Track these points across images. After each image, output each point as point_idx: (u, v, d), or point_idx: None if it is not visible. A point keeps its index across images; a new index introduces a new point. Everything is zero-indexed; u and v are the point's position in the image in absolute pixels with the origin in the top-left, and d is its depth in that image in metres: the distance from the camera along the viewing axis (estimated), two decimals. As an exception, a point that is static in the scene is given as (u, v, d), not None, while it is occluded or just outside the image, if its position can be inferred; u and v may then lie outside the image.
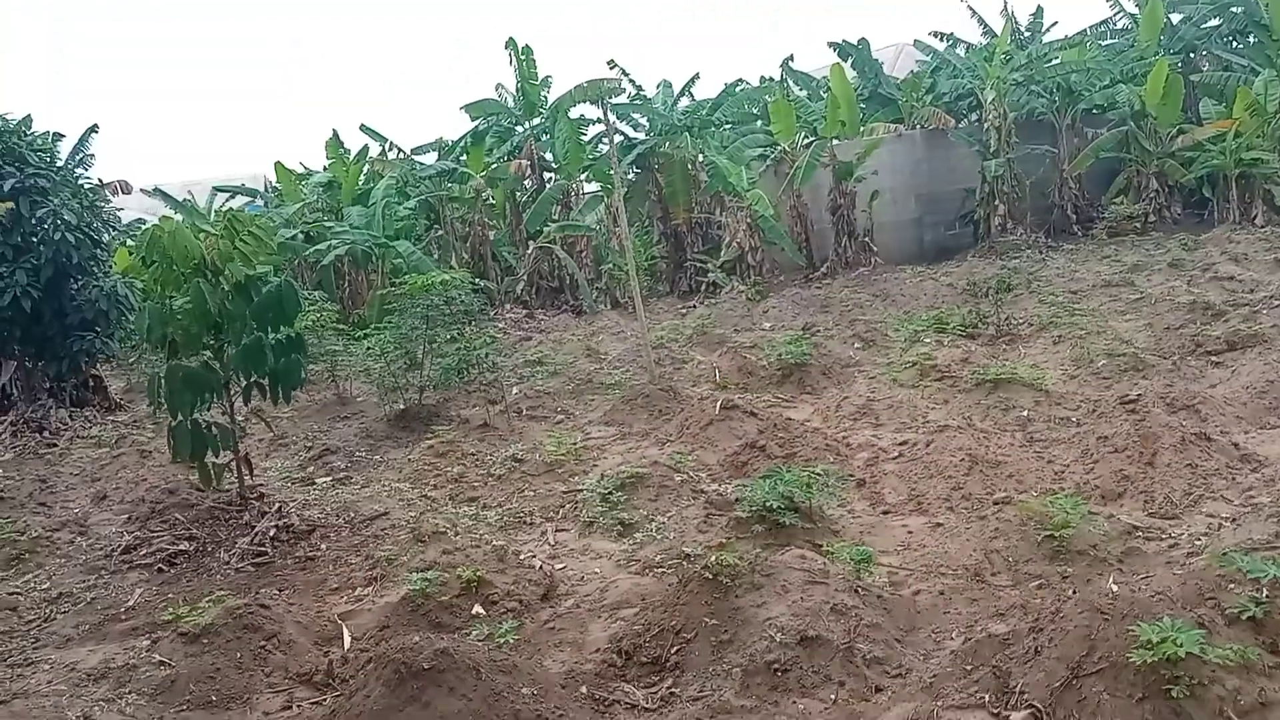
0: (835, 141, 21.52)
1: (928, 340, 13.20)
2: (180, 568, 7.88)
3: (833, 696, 5.39)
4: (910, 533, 7.60)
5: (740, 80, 24.17)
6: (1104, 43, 24.44)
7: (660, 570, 6.92)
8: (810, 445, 9.29)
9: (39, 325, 13.52)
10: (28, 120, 14.93)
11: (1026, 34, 24.67)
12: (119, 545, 8.35)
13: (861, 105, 23.26)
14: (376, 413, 12.70)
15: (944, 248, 22.10)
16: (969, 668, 5.48)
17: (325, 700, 5.73)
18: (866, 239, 21.44)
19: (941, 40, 24.33)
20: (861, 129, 22.36)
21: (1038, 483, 8.19)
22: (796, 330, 14.79)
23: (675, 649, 5.81)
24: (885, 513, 8.07)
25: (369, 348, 13.05)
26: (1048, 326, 13.56)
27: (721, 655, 5.69)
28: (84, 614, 7.29)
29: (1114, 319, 13.74)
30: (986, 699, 5.13)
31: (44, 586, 7.88)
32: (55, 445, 12.68)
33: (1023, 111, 22.51)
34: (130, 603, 7.36)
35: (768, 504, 7.20)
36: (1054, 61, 22.35)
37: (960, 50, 24.20)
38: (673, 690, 5.57)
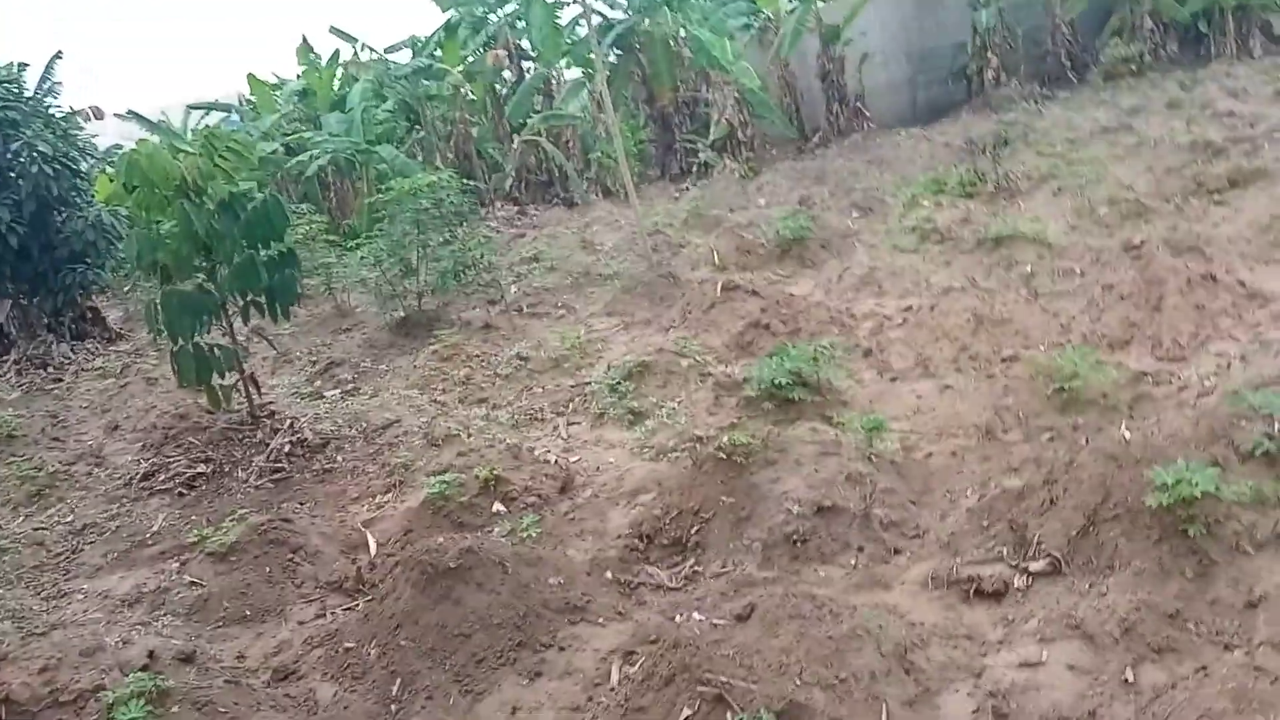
0: (821, 4, 20.76)
1: (926, 203, 12.99)
2: (200, 490, 7.97)
3: (852, 562, 5.50)
4: (919, 397, 7.63)
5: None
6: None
7: (674, 455, 6.98)
8: (814, 319, 9.25)
9: (28, 261, 13.34)
10: (-11, 52, 14.44)
11: None
12: (137, 473, 8.43)
13: (845, -37, 22.34)
14: (377, 322, 12.62)
15: (938, 106, 21.53)
16: (985, 523, 5.57)
17: (358, 605, 5.86)
18: (858, 104, 20.89)
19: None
20: (849, -12, 21.54)
21: (1044, 337, 8.18)
22: (792, 205, 14.55)
23: (695, 529, 5.91)
24: (893, 380, 8.08)
25: (362, 257, 12.88)
26: (1047, 179, 13.31)
27: (740, 531, 5.78)
28: (110, 543, 7.40)
29: (1113, 165, 13.47)
30: (1004, 552, 5.24)
31: (68, 519, 7.97)
32: (61, 380, 12.67)
33: (1013, -43, 21.64)
34: (154, 528, 7.47)
35: (776, 381, 7.21)
36: (1042, -101, 21.36)
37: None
38: (695, 568, 5.69)
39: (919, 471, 6.48)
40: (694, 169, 20.32)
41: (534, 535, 6.11)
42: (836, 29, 20.54)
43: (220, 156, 8.10)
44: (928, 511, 6.03)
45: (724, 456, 6.06)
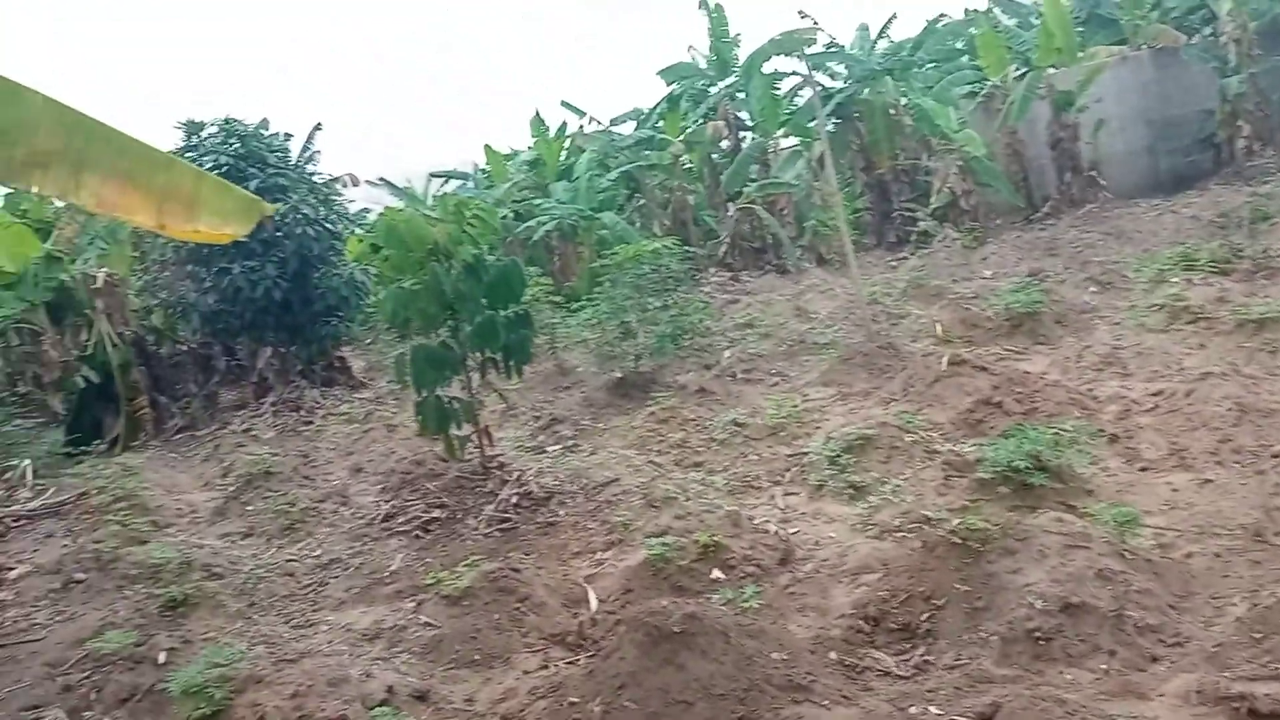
0: (1051, 71, 20.02)
1: (1175, 280, 12.09)
2: (434, 534, 8.40)
3: (1103, 666, 5.09)
4: (1175, 491, 7.04)
5: (942, 15, 22.93)
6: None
7: (900, 535, 6.73)
8: (1051, 400, 8.75)
9: (289, 313, 14.74)
10: (264, 123, 16.19)
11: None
12: (378, 514, 9.00)
13: (1079, 29, 21.45)
14: (595, 381, 13.03)
15: (1181, 177, 20.13)
16: (1258, 635, 5.04)
17: (579, 660, 5.97)
18: (1092, 173, 19.84)
19: (1167, -50, 22.08)
20: (1080, 54, 20.65)
21: (1322, 432, 7.38)
22: (1022, 277, 13.94)
23: (925, 616, 5.66)
24: (1143, 470, 7.51)
25: (585, 319, 13.39)
26: (1314, 257, 12.14)
27: (976, 623, 5.49)
28: (353, 578, 7.92)
29: (1397, 242, 12.13)
30: (1284, 671, 4.70)
31: (316, 553, 8.61)
32: (311, 423, 13.82)
33: (1265, 20, 20.08)
34: (393, 567, 7.92)
35: (1013, 464, 6.86)
36: (1301, -41, 19.82)
37: (1190, -41, 21.88)
38: (926, 658, 5.43)
39: (1178, 573, 5.95)
40: (912, 238, 19.85)
41: (755, 606, 6.04)
42: (1070, 95, 19.71)
43: (468, 223, 8.68)
44: (1189, 618, 5.51)
45: (958, 541, 5.79)
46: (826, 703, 5.02)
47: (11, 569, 9.27)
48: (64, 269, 14.83)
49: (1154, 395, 8.65)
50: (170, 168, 4.63)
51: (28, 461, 12.69)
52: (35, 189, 4.67)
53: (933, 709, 4.79)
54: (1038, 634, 5.24)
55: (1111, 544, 5.79)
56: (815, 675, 5.25)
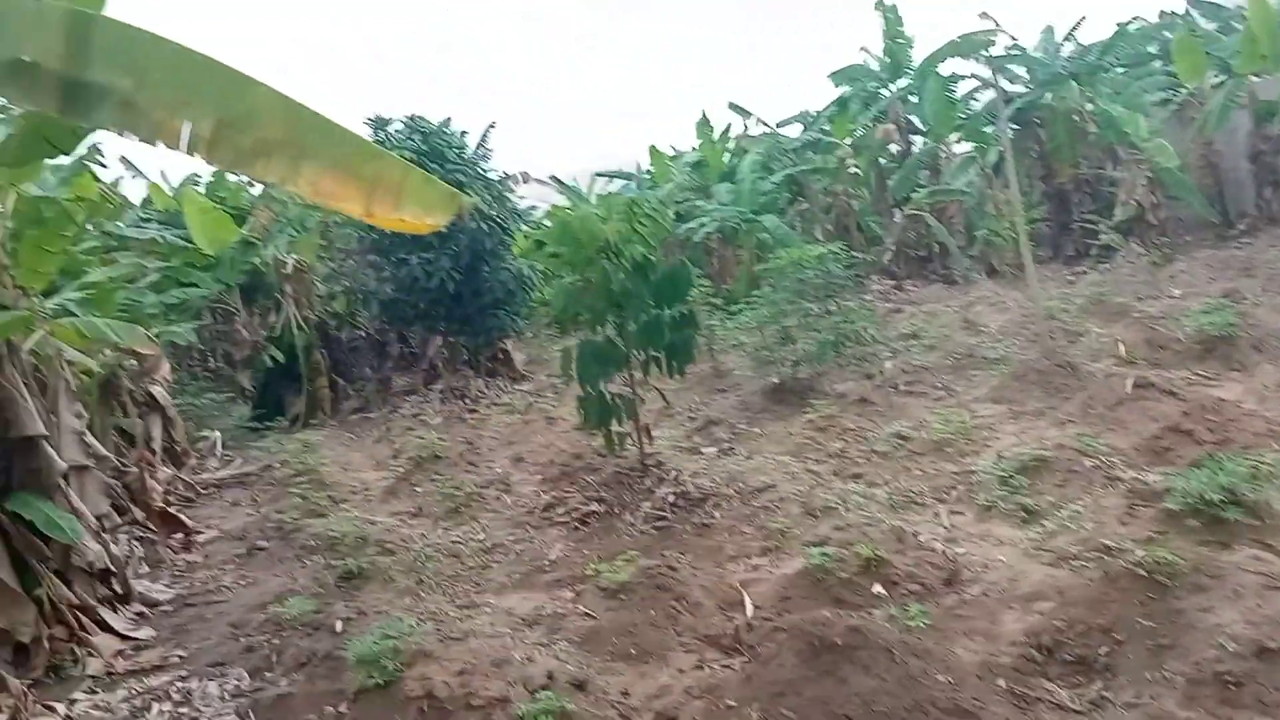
0: (1254, 78, 18.60)
1: (1392, 306, 11.06)
2: (592, 526, 8.58)
3: (1302, 719, 4.70)
4: (1389, 536, 6.41)
5: (1136, 18, 21.68)
6: None
7: (1077, 563, 6.40)
8: (1248, 430, 8.13)
9: (459, 305, 15.34)
10: (447, 121, 16.88)
11: None
12: (538, 504, 9.27)
13: (1290, 33, 19.86)
14: (752, 385, 12.98)
15: (1401, 195, 18.38)
16: None
17: (734, 664, 5.96)
18: (1297, 189, 18.38)
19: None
20: (1290, 61, 19.12)
21: None
22: (1214, 297, 13.00)
23: (1104, 649, 5.37)
24: (1353, 512, 6.87)
25: (746, 321, 13.36)
26: None
27: (1160, 661, 5.17)
28: (514, 564, 8.17)
29: None
30: None
31: (479, 537, 8.93)
32: (475, 411, 14.36)
33: None
34: (552, 556, 8.14)
35: (1205, 496, 6.41)
36: None
37: None
38: (1103, 693, 5.15)
39: (1390, 625, 5.43)
40: (1092, 251, 18.90)
41: (920, 625, 5.87)
42: (1274, 105, 18.30)
43: (639, 223, 8.81)
44: (1403, 676, 5.02)
45: (1144, 574, 5.47)
46: (994, 731, 4.85)
47: (201, 533, 10.07)
48: (257, 254, 15.92)
49: (1369, 432, 7.93)
50: (380, 159, 4.90)
51: (218, 434, 13.75)
52: (259, 176, 5.03)
53: (1111, 749, 4.55)
54: (1228, 677, 4.88)
55: (1318, 590, 5.34)
56: (983, 702, 5.06)
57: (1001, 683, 5.34)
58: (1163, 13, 22.88)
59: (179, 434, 12.43)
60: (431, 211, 4.82)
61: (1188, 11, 22.24)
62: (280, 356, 15.29)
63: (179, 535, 9.80)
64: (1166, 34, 21.08)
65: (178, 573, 9.02)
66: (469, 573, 8.14)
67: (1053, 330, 12.34)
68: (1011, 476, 7.93)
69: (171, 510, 10.18)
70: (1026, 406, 10.19)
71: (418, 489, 10.38)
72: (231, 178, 18.51)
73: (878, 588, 6.52)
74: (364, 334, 17.07)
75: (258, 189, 18.02)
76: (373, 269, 15.51)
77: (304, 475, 11.06)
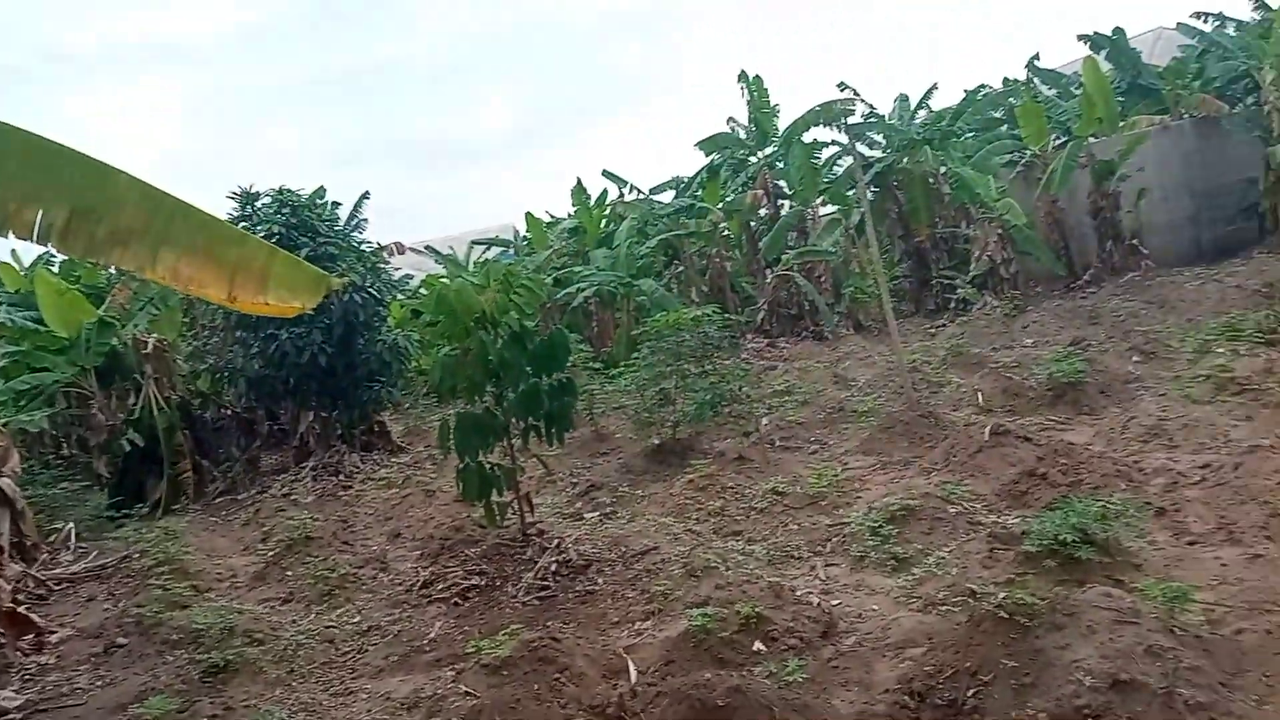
0: (1092, 140, 20.12)
1: (1221, 350, 11.95)
2: (473, 601, 8.40)
3: (1155, 748, 4.94)
4: (1224, 565, 6.87)
5: (982, 86, 23.20)
6: (1407, -2, 21.39)
7: (945, 608, 6.63)
8: (1097, 472, 8.63)
9: (332, 378, 14.96)
10: (320, 191, 16.64)
11: (1308, 2, 22.06)
12: (417, 581, 9.03)
13: (1119, 99, 21.61)
14: (633, 448, 13.05)
15: (1225, 246, 19.96)
16: (1316, 718, 4.87)
17: (619, 734, 5.90)
18: (1134, 242, 19.75)
19: (1206, 21, 22.24)
20: (1121, 124, 20.77)
21: (1380, 507, 7.20)
22: (1063, 346, 13.84)
23: (972, 691, 5.54)
24: (1192, 544, 7.34)
25: (624, 385, 13.47)
26: (1365, 326, 11.93)
27: (1024, 699, 5.36)
28: (392, 646, 7.92)
29: None
30: (1347, 757, 4.54)
31: (355, 620, 8.63)
32: (350, 487, 13.94)
33: (1310, 88, 20.05)
34: (432, 635, 7.92)
35: (1060, 537, 6.75)
36: (1345, 30, 19.79)
37: (1230, 30, 22.02)
38: (973, 736, 5.31)
39: (1228, 650, 5.78)
40: (951, 305, 19.90)
41: (798, 680, 5.95)
42: (1111, 164, 19.72)
43: (515, 292, 8.84)
44: (1240, 695, 5.34)
45: (1005, 616, 5.70)
46: (872, 782, 4.93)
47: (54, 632, 9.40)
48: (115, 334, 15.22)
49: (1201, 468, 8.50)
50: (243, 243, 4.82)
51: (71, 524, 12.92)
52: (115, 265, 4.88)
53: (982, 790, 4.67)
54: (1087, 711, 5.11)
55: (1161, 620, 5.65)
56: (860, 753, 5.16)
57: (878, 732, 5.45)
58: (1006, 80, 24.55)
59: (29, 527, 11.62)
60: (298, 294, 4.76)
61: (1030, 79, 23.94)
62: (140, 440, 14.53)
63: (29, 636, 9.11)
64: (1012, 100, 22.57)
65: (28, 676, 8.38)
66: (344, 658, 7.86)
67: (916, 382, 12.86)
68: (881, 526, 8.18)
69: (21, 610, 9.47)
70: (894, 457, 10.56)
71: (289, 573, 9.97)
72: (87, 255, 17.70)
73: (758, 644, 6.57)
74: (230, 413, 16.43)
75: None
76: (240, 345, 15.02)
77: (165, 565, 10.46)
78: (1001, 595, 5.96)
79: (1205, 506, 7.86)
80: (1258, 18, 21.75)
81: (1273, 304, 13.29)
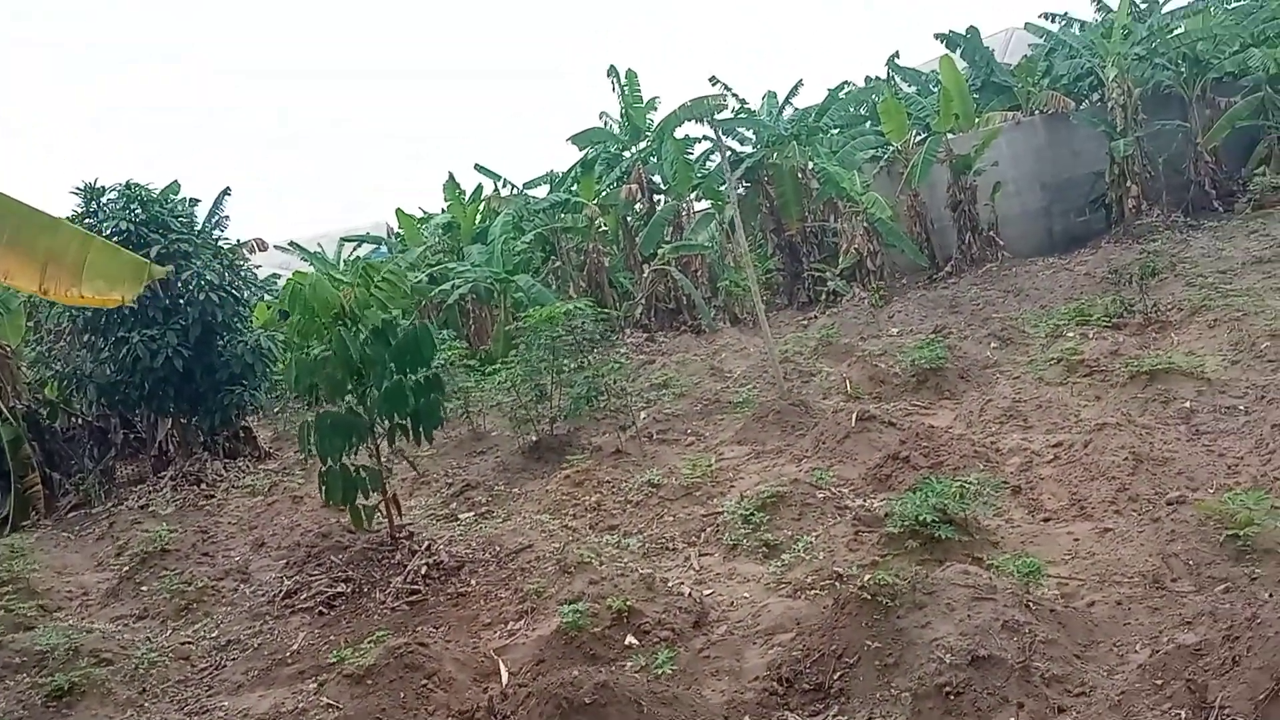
0: (950, 135, 20.92)
1: (1071, 334, 12.58)
2: (339, 609, 8.10)
3: (1011, 718, 5.11)
4: (1076, 540, 7.20)
5: (845, 83, 23.83)
6: (1229, 6, 23.01)
7: (813, 592, 6.74)
8: (956, 453, 8.93)
9: (191, 383, 14.24)
10: (174, 187, 15.81)
11: (1143, 6, 23.47)
12: (280, 591, 8.65)
13: (975, 96, 22.54)
14: (510, 446, 12.87)
15: (1075, 236, 21.11)
16: (1159, 682, 5.13)
17: (489, 737, 5.76)
18: (991, 233, 20.68)
19: (1053, 21, 23.40)
20: (977, 120, 21.66)
21: (1211, 479, 7.67)
22: (926, 334, 14.35)
23: (838, 674, 5.63)
24: (1046, 520, 7.67)
25: (500, 382, 13.27)
26: (1200, 310, 12.74)
27: (888, 679, 5.48)
28: (252, 660, 7.56)
29: (1271, 297, 12.82)
30: (1183, 715, 4.79)
31: (213, 634, 8.22)
32: (213, 496, 13.29)
33: (1148, 86, 21.33)
34: (295, 646, 7.59)
35: (920, 518, 6.94)
36: (1177, 31, 21.12)
37: (1075, 29, 23.22)
38: (838, 718, 5.39)
39: (1081, 622, 6.04)
40: (822, 297, 20.38)
41: (668, 672, 5.94)
42: (967, 159, 20.57)
43: (376, 286, 8.55)
44: (1093, 666, 5.60)
45: (868, 597, 5.81)
46: (741, 769, 4.94)
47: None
48: (-51, 340, 14.13)
49: (1054, 447, 8.90)
50: (55, 231, 4.46)
51: (-95, 546, 11.91)
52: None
53: (846, 771, 4.74)
54: (948, 688, 5.24)
55: (1017, 595, 5.86)
56: (729, 741, 5.17)
57: (746, 719, 5.47)
58: (868, 78, 25.31)
59: None
60: (116, 285, 4.44)
61: (890, 76, 24.71)
62: (-20, 453, 13.52)
63: None
64: (874, 97, 23.25)
65: None
66: (200, 675, 7.47)
67: (788, 372, 13.10)
68: (753, 514, 8.26)
69: None
70: (767, 446, 10.70)
71: (143, 588, 9.43)
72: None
73: (630, 638, 6.54)
74: (82, 421, 15.44)
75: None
76: (88, 349, 14.14)
77: (10, 584, 9.75)
78: (865, 577, 6.08)
79: (1058, 484, 8.22)
80: (1099, 18, 23.03)
81: (1119, 290, 14.06)
